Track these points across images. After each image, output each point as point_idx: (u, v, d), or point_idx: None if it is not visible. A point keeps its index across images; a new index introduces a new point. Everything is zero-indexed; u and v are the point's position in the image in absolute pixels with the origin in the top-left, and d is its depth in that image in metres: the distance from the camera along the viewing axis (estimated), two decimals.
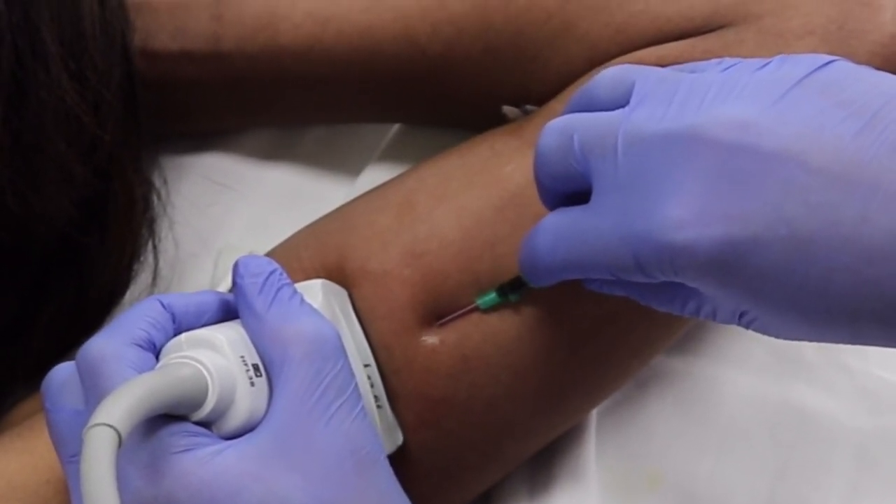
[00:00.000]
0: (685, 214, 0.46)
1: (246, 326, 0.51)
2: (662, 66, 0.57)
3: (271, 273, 0.52)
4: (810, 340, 0.49)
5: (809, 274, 0.45)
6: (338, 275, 0.60)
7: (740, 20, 0.57)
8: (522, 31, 0.62)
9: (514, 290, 0.58)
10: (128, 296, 0.67)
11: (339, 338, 0.50)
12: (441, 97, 0.66)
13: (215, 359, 0.49)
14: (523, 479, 0.67)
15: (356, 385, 0.50)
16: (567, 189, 0.52)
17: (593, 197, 0.50)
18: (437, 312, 0.59)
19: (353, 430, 0.49)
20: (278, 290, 0.51)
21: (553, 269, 0.52)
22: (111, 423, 0.44)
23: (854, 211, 0.44)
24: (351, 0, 0.65)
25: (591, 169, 0.50)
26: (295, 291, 0.52)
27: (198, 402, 0.48)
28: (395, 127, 0.72)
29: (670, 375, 0.71)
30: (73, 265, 0.63)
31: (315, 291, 0.57)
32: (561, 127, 0.52)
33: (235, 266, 0.52)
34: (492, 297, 0.58)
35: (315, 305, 0.53)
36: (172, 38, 0.68)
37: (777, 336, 0.49)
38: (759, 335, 0.72)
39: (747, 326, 0.49)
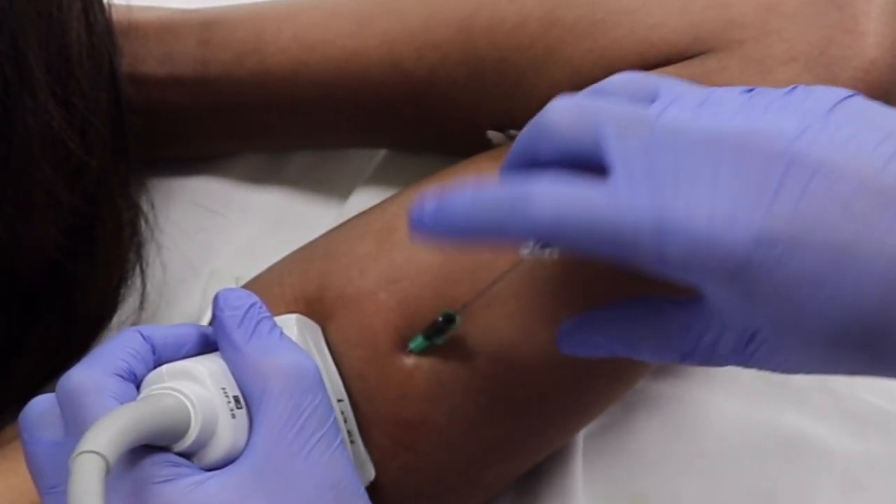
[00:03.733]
0: (727, 210, 0.47)
1: (226, 359, 0.51)
2: None
3: (251, 306, 0.52)
4: (814, 372, 0.49)
5: (842, 283, 0.46)
6: (318, 303, 0.60)
7: (723, 46, 0.57)
8: (506, 57, 0.62)
9: (437, 334, 0.58)
10: (115, 320, 0.67)
11: (318, 371, 0.51)
12: (426, 122, 0.66)
13: (197, 390, 0.49)
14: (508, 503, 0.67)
15: (335, 418, 0.50)
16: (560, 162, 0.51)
17: (613, 180, 0.49)
18: (413, 337, 0.59)
19: (333, 463, 0.49)
20: (258, 323, 0.51)
21: (546, 235, 0.50)
22: (98, 451, 0.44)
23: (888, 222, 0.45)
24: (337, 25, 0.65)
25: (613, 152, 0.49)
26: (274, 325, 0.52)
27: (180, 433, 0.48)
28: (384, 151, 0.72)
29: (657, 399, 0.71)
30: (61, 290, 0.63)
31: (290, 326, 0.57)
32: (574, 104, 0.51)
33: (215, 299, 0.52)
34: (419, 341, 0.58)
35: None
36: (160, 64, 0.68)
37: (777, 367, 0.49)
38: None
39: (751, 358, 0.49)
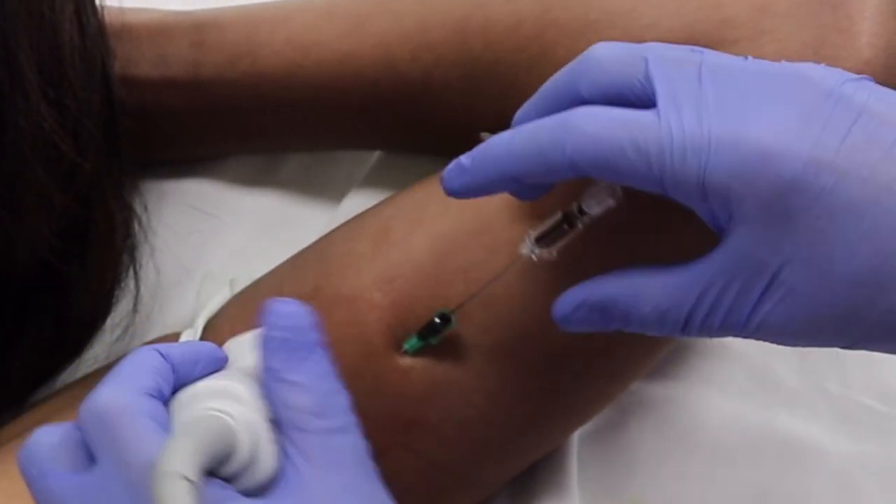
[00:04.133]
0: (778, 135, 0.48)
1: (263, 382, 0.49)
2: None
3: (299, 329, 0.49)
4: (818, 337, 0.49)
5: (878, 222, 0.47)
6: (315, 305, 0.60)
7: (716, 46, 0.57)
8: (501, 58, 0.62)
9: (432, 334, 0.57)
10: (108, 322, 0.67)
11: (350, 403, 0.49)
12: (420, 123, 0.66)
13: (242, 412, 0.47)
14: None
15: (366, 447, 0.49)
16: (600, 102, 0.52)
17: (661, 105, 0.50)
18: (407, 337, 0.58)
19: (369, 493, 0.48)
20: (299, 349, 0.49)
21: (588, 156, 0.50)
22: (187, 475, 0.42)
23: None
24: (331, 27, 0.65)
25: (661, 82, 0.50)
26: (322, 355, 0.50)
27: (226, 455, 0.46)
28: (377, 153, 0.72)
29: (652, 400, 0.71)
30: (54, 292, 0.63)
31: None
32: (620, 45, 0.52)
33: (266, 312, 0.50)
34: (413, 341, 0.58)
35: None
36: (153, 66, 0.68)
37: (785, 327, 0.49)
38: (740, 359, 0.73)
39: (759, 314, 0.49)
